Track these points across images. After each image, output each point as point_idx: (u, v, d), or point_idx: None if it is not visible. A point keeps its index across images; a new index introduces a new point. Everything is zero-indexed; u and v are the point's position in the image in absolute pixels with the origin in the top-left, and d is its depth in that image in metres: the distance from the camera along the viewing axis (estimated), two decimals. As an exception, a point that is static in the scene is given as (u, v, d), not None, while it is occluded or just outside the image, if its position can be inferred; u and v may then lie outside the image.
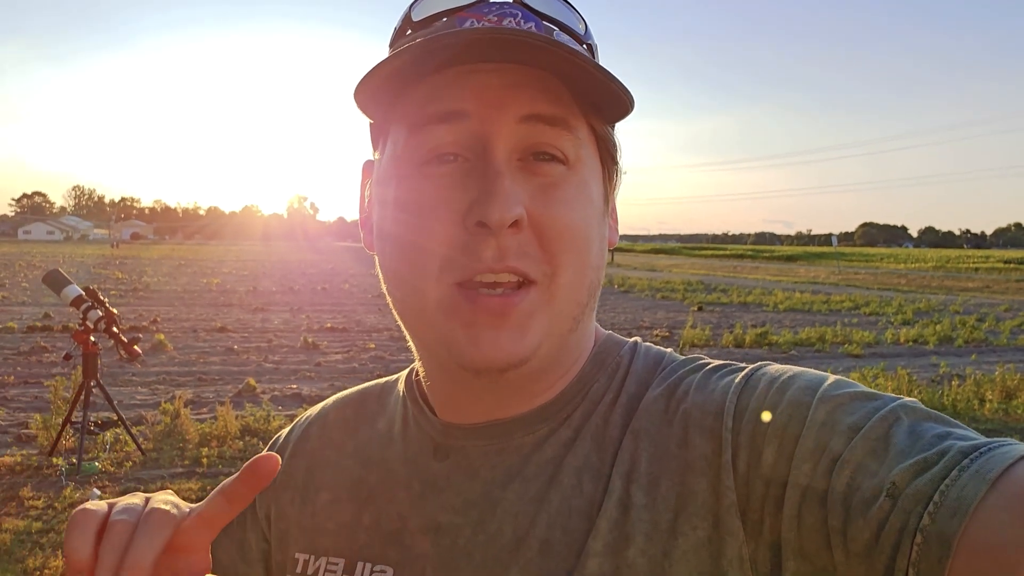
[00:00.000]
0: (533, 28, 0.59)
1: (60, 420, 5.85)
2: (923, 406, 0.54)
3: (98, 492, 4.98)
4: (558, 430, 0.64)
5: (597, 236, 0.62)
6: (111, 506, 0.55)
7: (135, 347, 5.72)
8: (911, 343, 13.33)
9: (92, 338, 5.59)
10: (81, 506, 0.54)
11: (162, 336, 11.23)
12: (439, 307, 0.59)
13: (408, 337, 0.67)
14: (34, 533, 4.44)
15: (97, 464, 5.56)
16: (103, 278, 25.18)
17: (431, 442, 0.68)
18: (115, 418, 5.76)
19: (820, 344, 12.67)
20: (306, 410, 0.84)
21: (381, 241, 0.64)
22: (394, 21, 0.65)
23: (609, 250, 0.68)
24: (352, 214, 0.80)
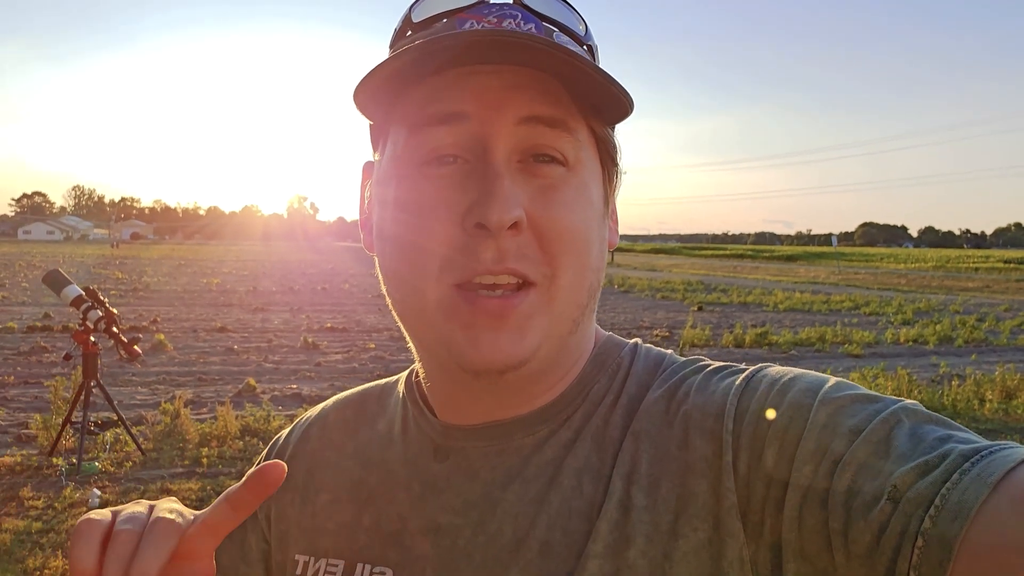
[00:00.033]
0: (533, 29, 0.59)
1: (60, 420, 5.85)
2: (924, 409, 0.54)
3: (98, 492, 4.97)
4: (558, 431, 0.64)
5: (597, 238, 0.62)
6: (115, 515, 0.55)
7: (135, 347, 5.72)
8: (911, 343, 13.33)
9: (92, 338, 5.59)
10: (85, 516, 0.54)
11: (162, 336, 11.23)
12: (438, 308, 0.59)
13: (408, 338, 0.67)
14: (34, 533, 4.44)
15: (97, 464, 5.56)
16: (103, 278, 25.19)
17: (431, 443, 0.68)
18: (115, 418, 5.76)
19: (820, 344, 12.67)
20: (306, 410, 0.84)
21: (381, 241, 0.64)
22: (394, 22, 0.65)
23: (609, 251, 0.68)
24: (352, 214, 0.80)
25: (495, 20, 0.59)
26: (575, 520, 0.59)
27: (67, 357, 5.59)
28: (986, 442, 0.49)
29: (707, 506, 0.56)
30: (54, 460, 5.61)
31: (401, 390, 0.76)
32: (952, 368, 10.51)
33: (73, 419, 5.59)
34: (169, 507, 0.55)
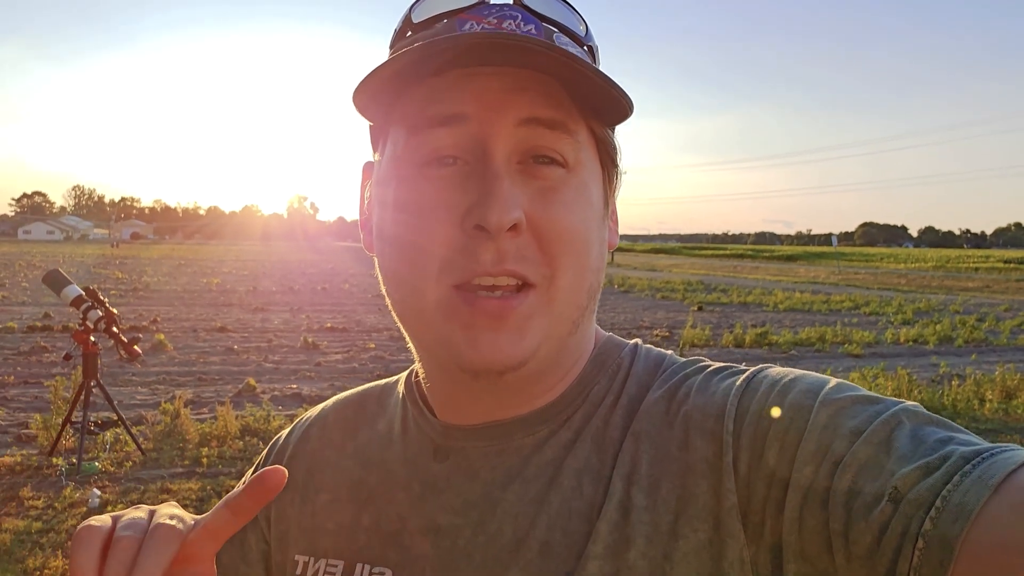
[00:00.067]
0: (533, 30, 0.59)
1: (60, 420, 5.85)
2: (925, 410, 0.54)
3: (98, 492, 4.97)
4: (558, 432, 0.64)
5: (597, 239, 0.62)
6: (115, 521, 0.54)
7: (135, 347, 5.72)
8: (911, 343, 13.33)
9: (92, 338, 5.59)
10: (85, 522, 0.54)
11: (162, 336, 11.23)
12: (438, 308, 0.59)
13: (407, 338, 0.67)
14: (34, 533, 4.44)
15: (97, 464, 5.55)
16: (103, 278, 25.19)
17: (431, 443, 0.68)
18: (115, 418, 5.76)
19: (820, 344, 12.67)
20: (306, 410, 0.84)
21: (381, 242, 0.64)
22: (394, 22, 0.65)
23: (609, 251, 0.68)
24: (352, 214, 0.80)
25: (495, 21, 0.59)
26: (575, 521, 0.59)
27: (67, 357, 5.59)
28: (987, 444, 0.49)
29: (707, 507, 0.56)
30: (54, 460, 5.61)
31: (401, 390, 0.76)
32: (952, 368, 10.51)
33: (73, 419, 5.59)
34: (169, 512, 0.55)
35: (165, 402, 6.94)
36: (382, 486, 0.69)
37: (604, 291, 0.71)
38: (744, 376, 0.61)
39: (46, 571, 3.98)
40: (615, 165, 0.66)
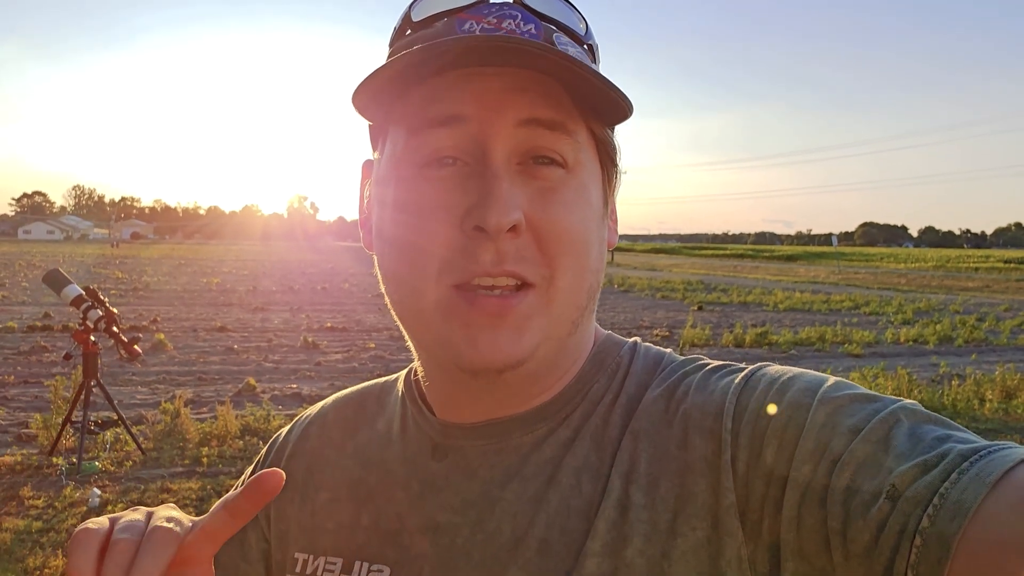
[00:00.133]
0: (533, 29, 0.59)
1: (60, 420, 5.85)
2: (923, 408, 0.54)
3: (98, 492, 4.97)
4: (557, 430, 0.64)
5: (596, 239, 0.62)
6: (113, 523, 0.54)
7: (135, 347, 5.72)
8: (911, 343, 13.32)
9: (92, 338, 5.59)
10: (82, 525, 0.54)
11: (162, 336, 11.23)
12: (437, 308, 0.59)
13: (407, 337, 0.67)
14: (34, 532, 4.44)
15: (97, 464, 5.56)
16: (103, 277, 25.18)
17: (430, 442, 0.68)
18: (115, 418, 5.76)
19: (820, 344, 12.67)
20: (306, 409, 0.84)
21: (380, 242, 0.64)
22: (394, 21, 0.65)
23: (608, 250, 0.68)
24: (352, 214, 0.80)
25: (495, 20, 0.59)
26: (573, 519, 0.59)
27: (67, 357, 5.59)
28: (985, 442, 0.49)
29: (706, 505, 0.56)
30: (54, 459, 5.61)
31: (400, 389, 0.76)
32: (952, 368, 10.50)
33: (73, 418, 5.59)
34: (167, 515, 0.55)
35: (165, 402, 6.94)
36: (381, 485, 0.69)
37: (604, 291, 0.71)
38: (743, 374, 0.61)
39: (46, 570, 3.99)
40: (615, 165, 0.66)
